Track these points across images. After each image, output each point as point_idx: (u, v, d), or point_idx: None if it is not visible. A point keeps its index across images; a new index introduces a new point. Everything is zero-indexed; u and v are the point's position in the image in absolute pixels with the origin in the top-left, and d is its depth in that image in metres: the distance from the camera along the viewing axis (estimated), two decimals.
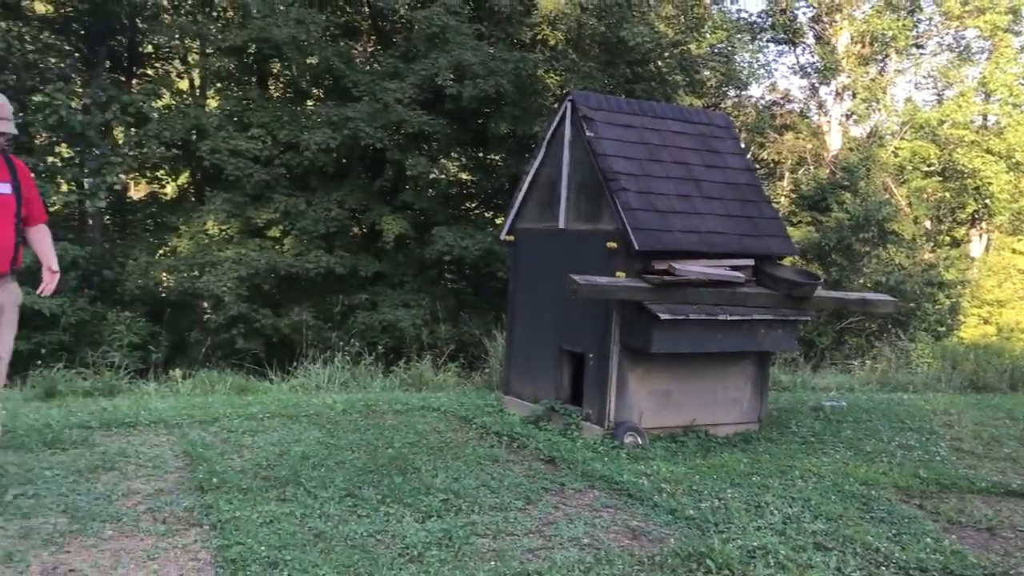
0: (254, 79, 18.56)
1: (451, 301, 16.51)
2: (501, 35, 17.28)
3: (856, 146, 24.09)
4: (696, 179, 6.90)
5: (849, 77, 24.15)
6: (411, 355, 11.27)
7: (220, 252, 15.37)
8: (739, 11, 42.94)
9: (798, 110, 26.80)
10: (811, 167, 24.17)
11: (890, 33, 23.69)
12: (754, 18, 25.84)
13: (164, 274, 15.69)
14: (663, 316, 6.00)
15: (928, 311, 19.63)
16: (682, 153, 7.02)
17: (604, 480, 5.38)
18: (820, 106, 26.16)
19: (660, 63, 18.22)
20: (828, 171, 23.03)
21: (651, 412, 6.49)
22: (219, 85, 18.59)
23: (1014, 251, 24.67)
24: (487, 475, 5.43)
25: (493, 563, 4.00)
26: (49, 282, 4.55)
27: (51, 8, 16.25)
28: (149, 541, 4.11)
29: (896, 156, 25.04)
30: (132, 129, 15.97)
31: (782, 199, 23.54)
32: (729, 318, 6.28)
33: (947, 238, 26.42)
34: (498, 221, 16.52)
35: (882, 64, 25.52)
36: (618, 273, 6.21)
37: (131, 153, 15.82)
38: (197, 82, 18.91)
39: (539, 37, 17.66)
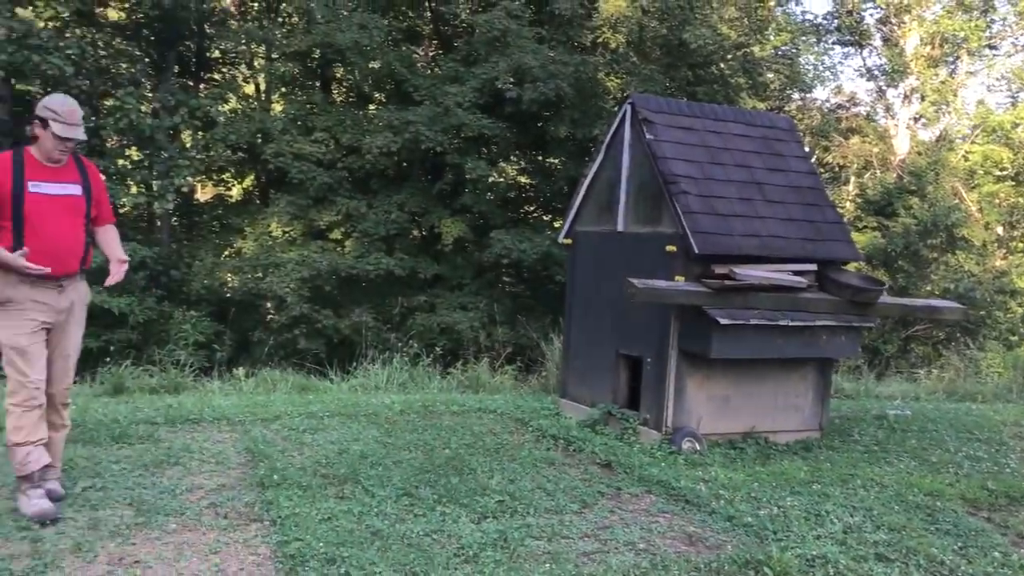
0: (318, 83, 18.86)
1: (508, 304, 16.55)
2: (562, 38, 17.27)
3: (925, 150, 23.53)
4: (758, 182, 6.81)
5: (918, 79, 23.62)
6: (468, 357, 11.33)
7: (283, 253, 15.63)
8: (804, 13, 42.27)
9: (864, 113, 26.31)
10: (877, 171, 23.68)
11: (962, 34, 23.11)
12: (819, 20, 25.47)
13: (229, 275, 16.01)
14: (723, 321, 5.93)
15: (999, 319, 19.09)
16: (744, 156, 6.93)
17: (661, 485, 5.34)
18: (887, 109, 25.64)
19: (723, 65, 18.04)
20: (895, 175, 22.54)
21: (710, 418, 6.43)
22: (284, 89, 18.92)
23: None
24: (543, 478, 5.43)
25: (548, 565, 4.00)
26: (117, 272, 4.66)
27: (123, 15, 16.71)
28: (211, 535, 4.20)
29: (966, 160, 24.39)
30: (199, 132, 16.34)
31: (847, 204, 23.10)
32: (791, 324, 6.18)
33: (1020, 244, 25.62)
34: (556, 224, 16.51)
35: (953, 66, 24.91)
36: (677, 277, 6.16)
37: (198, 156, 16.18)
38: (262, 86, 19.26)
39: (600, 40, 17.59)
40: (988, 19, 24.59)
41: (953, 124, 25.38)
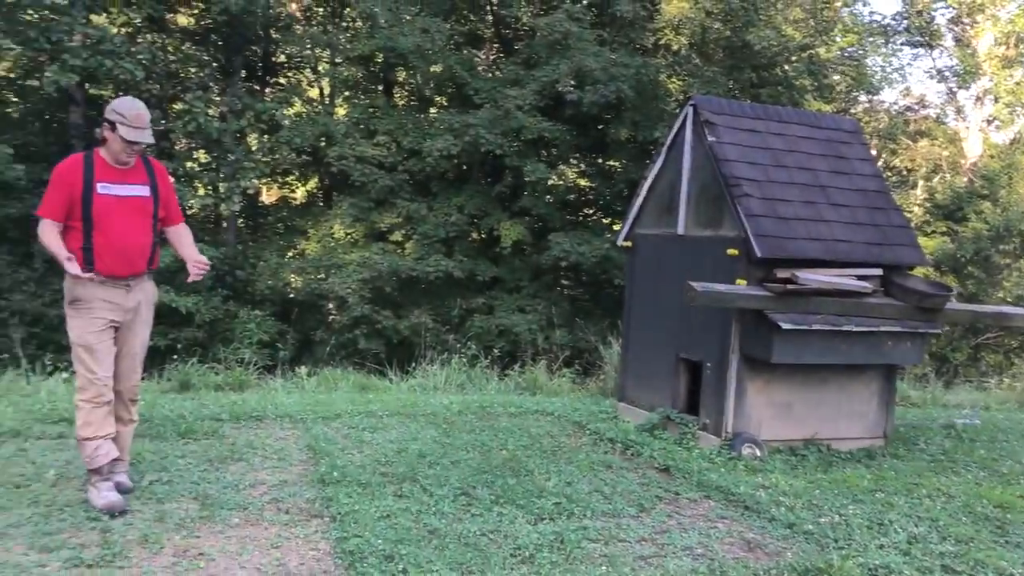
0: (380, 87, 19.09)
1: (567, 307, 16.53)
2: (623, 40, 17.20)
3: (997, 153, 22.87)
4: (822, 185, 6.71)
5: (991, 81, 22.95)
6: (526, 359, 11.35)
7: (345, 255, 15.85)
8: (871, 13, 41.42)
9: (934, 115, 25.67)
10: (947, 175, 23.10)
11: None
12: (888, 20, 24.91)
13: (292, 275, 16.28)
14: (785, 326, 5.85)
15: None
16: (808, 159, 6.83)
17: (720, 491, 5.28)
18: (958, 111, 24.97)
19: (787, 67, 17.78)
20: (966, 179, 21.95)
21: (770, 423, 6.34)
22: (347, 93, 19.19)
23: None
24: (600, 481, 5.41)
25: (604, 568, 3.99)
26: (196, 272, 4.75)
27: (192, 21, 17.13)
28: (273, 530, 4.28)
29: None
30: (265, 136, 16.67)
31: (915, 208, 22.58)
32: (855, 329, 6.07)
33: None
34: (616, 227, 16.43)
35: None
36: (738, 281, 6.09)
37: (264, 159, 16.51)
38: (326, 90, 19.55)
39: (662, 42, 17.49)
40: None
41: None
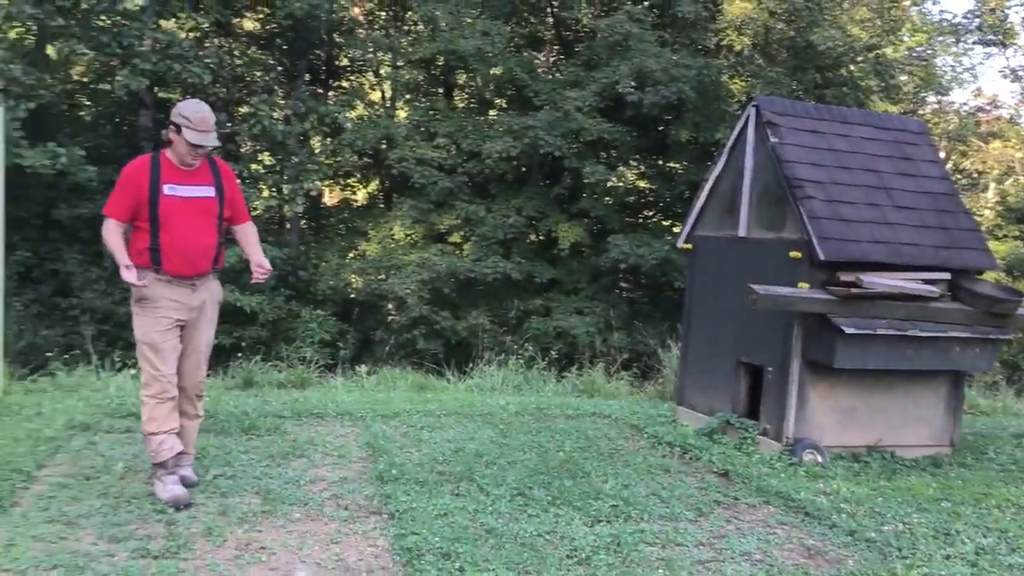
0: (441, 90, 19.23)
1: (625, 310, 16.45)
2: (685, 41, 17.07)
3: None
4: (887, 187, 6.57)
5: None
6: (584, 362, 11.31)
7: (405, 256, 16.00)
8: (942, 12, 40.41)
9: (1007, 116, 24.94)
10: (1020, 177, 22.41)
11: None
12: (958, 19, 24.31)
13: (353, 276, 16.49)
14: (848, 330, 5.75)
15: None
16: (873, 160, 6.70)
17: (780, 497, 5.21)
18: None
19: (852, 67, 17.45)
20: None
21: (832, 429, 6.22)
22: (408, 96, 19.37)
23: None
24: (658, 484, 5.38)
25: (662, 572, 3.96)
26: (259, 277, 4.83)
27: (258, 25, 17.47)
28: (332, 526, 4.34)
29: None
30: (327, 138, 16.91)
31: (986, 212, 21.97)
32: (920, 334, 5.93)
33: None
34: (676, 230, 16.26)
35: None
36: (801, 284, 6.00)
37: (326, 161, 16.75)
38: (388, 93, 19.76)
39: (724, 42, 17.31)
40: None
41: None
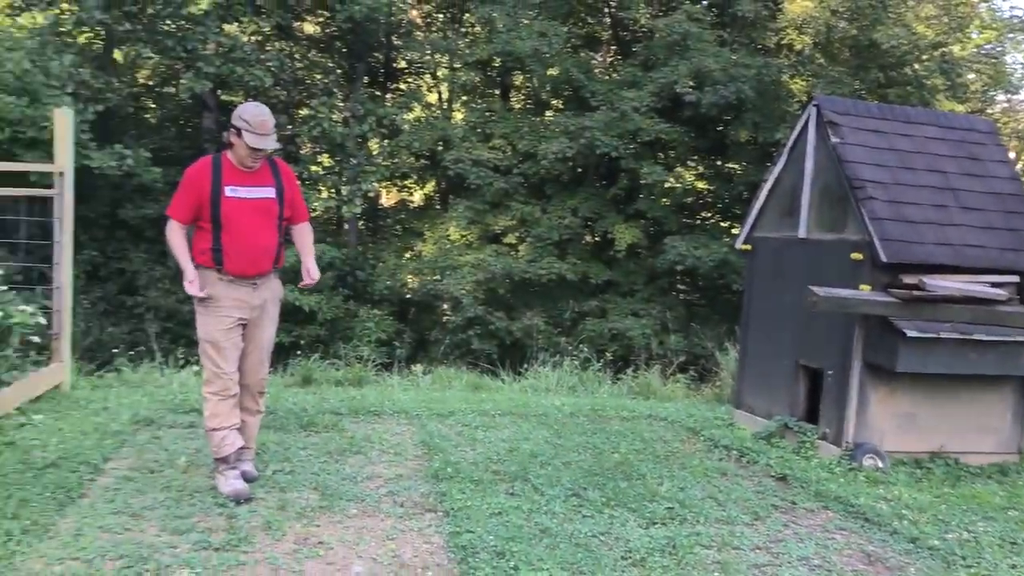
0: (497, 91, 19.28)
1: (682, 312, 16.33)
2: (744, 40, 16.89)
3: None
4: (953, 188, 6.42)
5: None
6: (639, 364, 11.25)
7: (460, 257, 16.09)
8: (1012, 8, 39.31)
9: None
10: None
11: None
12: None
13: (409, 276, 16.63)
14: (910, 333, 5.63)
15: None
16: (938, 160, 6.55)
17: (839, 502, 5.12)
18: None
19: (917, 66, 17.07)
20: None
21: (894, 434, 6.10)
22: (465, 98, 19.47)
23: None
24: (714, 487, 5.33)
25: (717, 575, 3.93)
26: (308, 283, 4.89)
27: (318, 29, 17.72)
28: (388, 522, 4.38)
29: None
30: (385, 140, 17.08)
31: None
32: (986, 338, 5.78)
33: None
34: (734, 231, 16.13)
35: None
36: (862, 286, 5.89)
37: (384, 163, 16.92)
38: (445, 95, 19.89)
39: (784, 42, 17.08)
40: None
41: None
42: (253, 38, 16.21)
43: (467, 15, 18.74)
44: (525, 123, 17.18)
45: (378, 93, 18.08)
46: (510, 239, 17.70)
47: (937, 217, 6.17)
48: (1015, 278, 6.11)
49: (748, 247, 7.37)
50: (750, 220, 7.34)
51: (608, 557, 4.02)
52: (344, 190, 16.07)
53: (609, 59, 19.28)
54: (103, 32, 14.52)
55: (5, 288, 6.35)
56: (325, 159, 16.97)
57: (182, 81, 14.09)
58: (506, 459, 5.60)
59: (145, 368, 8.58)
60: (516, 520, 4.41)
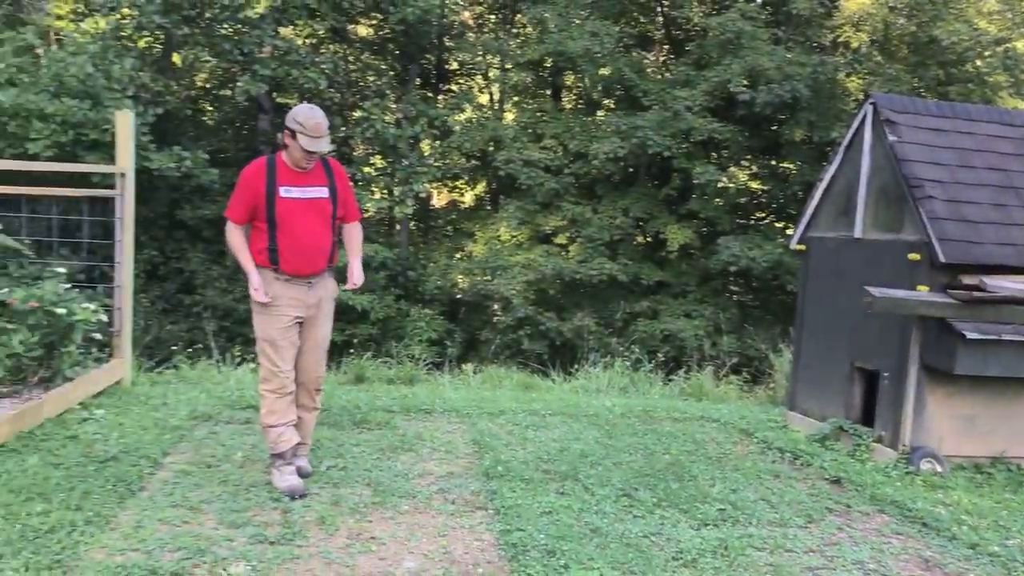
0: (548, 91, 19.28)
1: (735, 313, 16.14)
2: (799, 38, 16.65)
3: None
4: (1016, 187, 6.27)
5: None
6: (691, 365, 11.18)
7: (511, 257, 16.11)
8: None
9: None
10: None
11: None
12: None
13: (460, 276, 16.70)
14: (970, 335, 5.52)
15: None
16: (1000, 159, 6.41)
17: (895, 506, 5.04)
18: None
19: (979, 63, 16.67)
20: None
21: (952, 438, 5.98)
22: (516, 98, 19.50)
23: None
24: (767, 489, 5.27)
25: None
26: (351, 286, 4.94)
27: (371, 31, 17.90)
28: (439, 519, 4.42)
29: None
30: (437, 141, 17.19)
31: None
32: None
33: None
34: (789, 231, 15.93)
35: None
36: (920, 287, 5.79)
37: (436, 164, 17.02)
38: (496, 96, 19.94)
39: (840, 39, 16.81)
40: None
41: None
42: (308, 41, 16.44)
43: (519, 16, 18.77)
44: (576, 123, 17.13)
45: (430, 95, 18.20)
46: (561, 239, 17.67)
47: (998, 216, 6.04)
48: None
49: (802, 247, 7.28)
50: (804, 220, 7.25)
51: (659, 558, 4.01)
52: (396, 191, 16.19)
53: (661, 58, 19.16)
54: (162, 36, 14.84)
55: (69, 286, 6.52)
56: (378, 160, 17.12)
57: (238, 84, 14.32)
58: (556, 458, 5.61)
59: (203, 365, 8.76)
60: (566, 519, 4.42)
